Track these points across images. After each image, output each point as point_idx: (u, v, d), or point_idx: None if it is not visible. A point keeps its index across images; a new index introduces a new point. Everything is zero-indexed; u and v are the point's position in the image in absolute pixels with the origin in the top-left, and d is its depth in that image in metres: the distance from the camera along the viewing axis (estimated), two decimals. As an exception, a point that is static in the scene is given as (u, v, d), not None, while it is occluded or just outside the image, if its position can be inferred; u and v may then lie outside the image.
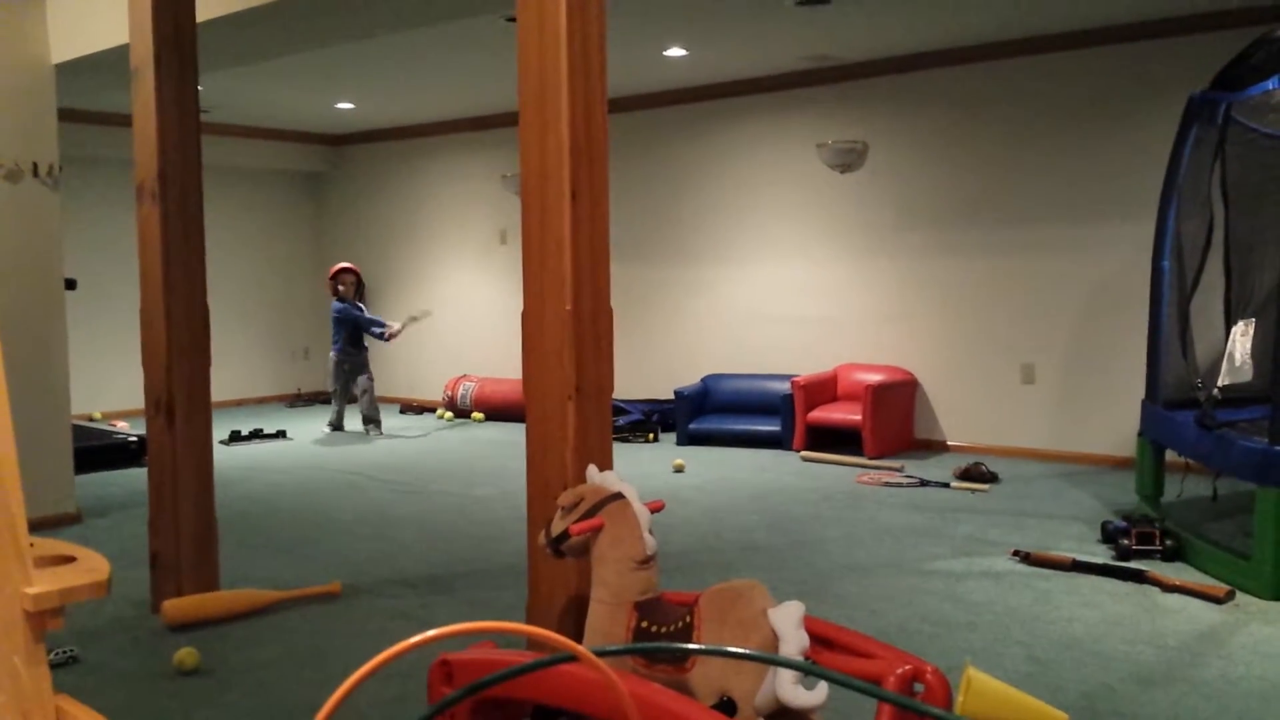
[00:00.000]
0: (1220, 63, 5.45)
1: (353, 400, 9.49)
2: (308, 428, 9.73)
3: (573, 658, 1.31)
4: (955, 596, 4.49)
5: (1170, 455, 5.66)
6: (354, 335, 9.37)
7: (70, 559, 1.83)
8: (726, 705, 2.50)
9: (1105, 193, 7.32)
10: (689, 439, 8.51)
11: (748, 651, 1.56)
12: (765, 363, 8.93)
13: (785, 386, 8.23)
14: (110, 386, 10.19)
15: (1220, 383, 5.13)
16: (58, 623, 1.67)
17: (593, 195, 3.24)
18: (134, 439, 7.86)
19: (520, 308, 3.34)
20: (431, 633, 1.25)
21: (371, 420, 9.33)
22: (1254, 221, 5.23)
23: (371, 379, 9.40)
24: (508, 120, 10.24)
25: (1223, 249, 5.34)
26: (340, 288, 9.37)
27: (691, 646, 1.47)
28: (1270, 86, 4.92)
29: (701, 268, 9.34)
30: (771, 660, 1.47)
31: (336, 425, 9.50)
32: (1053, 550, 5.11)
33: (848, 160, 8.37)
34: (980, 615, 4.25)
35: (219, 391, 9.64)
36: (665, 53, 7.75)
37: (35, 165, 5.86)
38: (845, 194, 8.48)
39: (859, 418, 7.68)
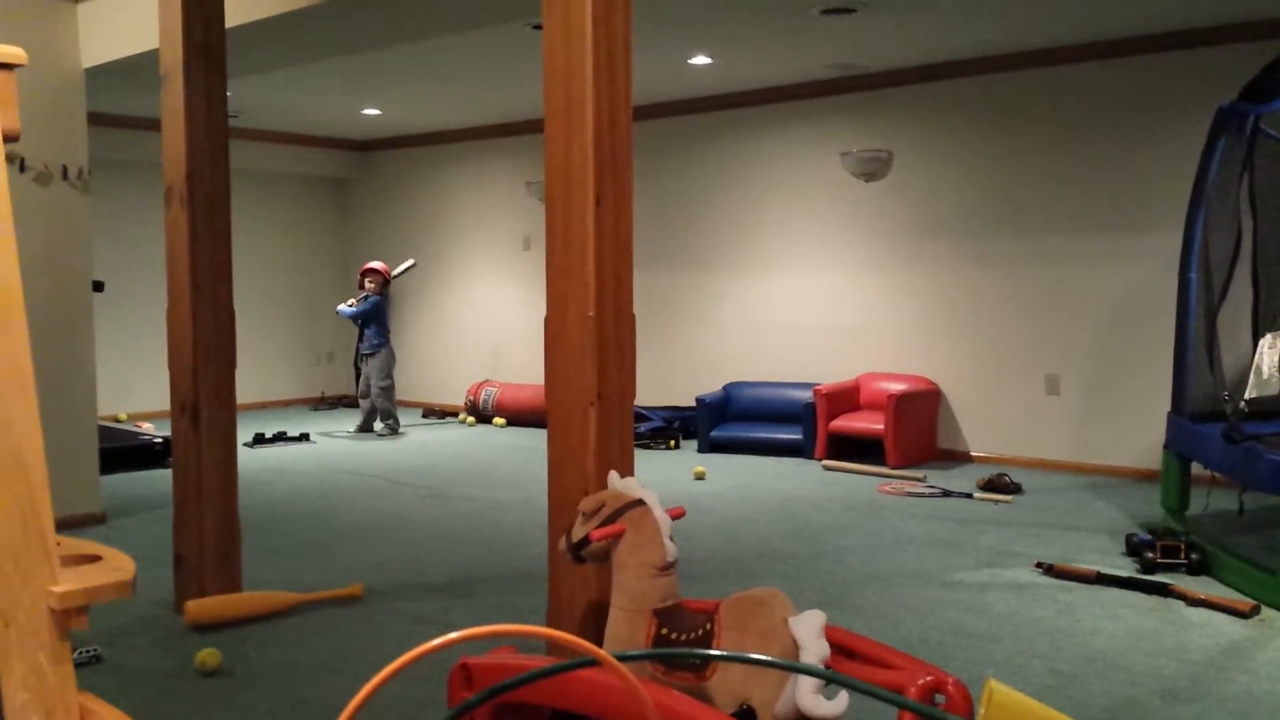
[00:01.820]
0: (1248, 74, 5.41)
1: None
2: (331, 431, 9.78)
3: (592, 662, 1.31)
4: (977, 608, 4.46)
5: (1196, 468, 5.61)
6: (363, 331, 9.65)
7: (96, 558, 1.85)
8: (746, 714, 2.50)
9: (1132, 203, 7.27)
10: (710, 446, 8.50)
11: (769, 659, 1.56)
12: (787, 371, 8.91)
13: (807, 395, 8.21)
14: (136, 388, 10.28)
15: (1247, 395, 5.09)
16: (82, 621, 1.68)
17: (617, 202, 3.25)
18: (159, 440, 7.92)
19: (543, 314, 3.35)
20: (453, 635, 1.25)
21: (381, 417, 9.48)
22: (1283, 233, 5.18)
23: (386, 376, 9.51)
24: (533, 127, 10.27)
25: (1250, 261, 5.29)
26: (369, 283, 9.60)
27: (713, 653, 1.47)
28: (1299, 98, 4.88)
29: (724, 275, 9.33)
30: (792, 668, 1.47)
31: (363, 426, 9.61)
32: (1076, 562, 5.07)
33: (872, 169, 8.35)
34: (1002, 627, 4.22)
35: (244, 394, 9.67)
36: (690, 61, 7.76)
37: (65, 168, 5.92)
38: (869, 203, 8.46)
39: (881, 427, 7.65)
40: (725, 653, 1.84)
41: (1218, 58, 6.83)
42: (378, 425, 9.60)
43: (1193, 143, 6.10)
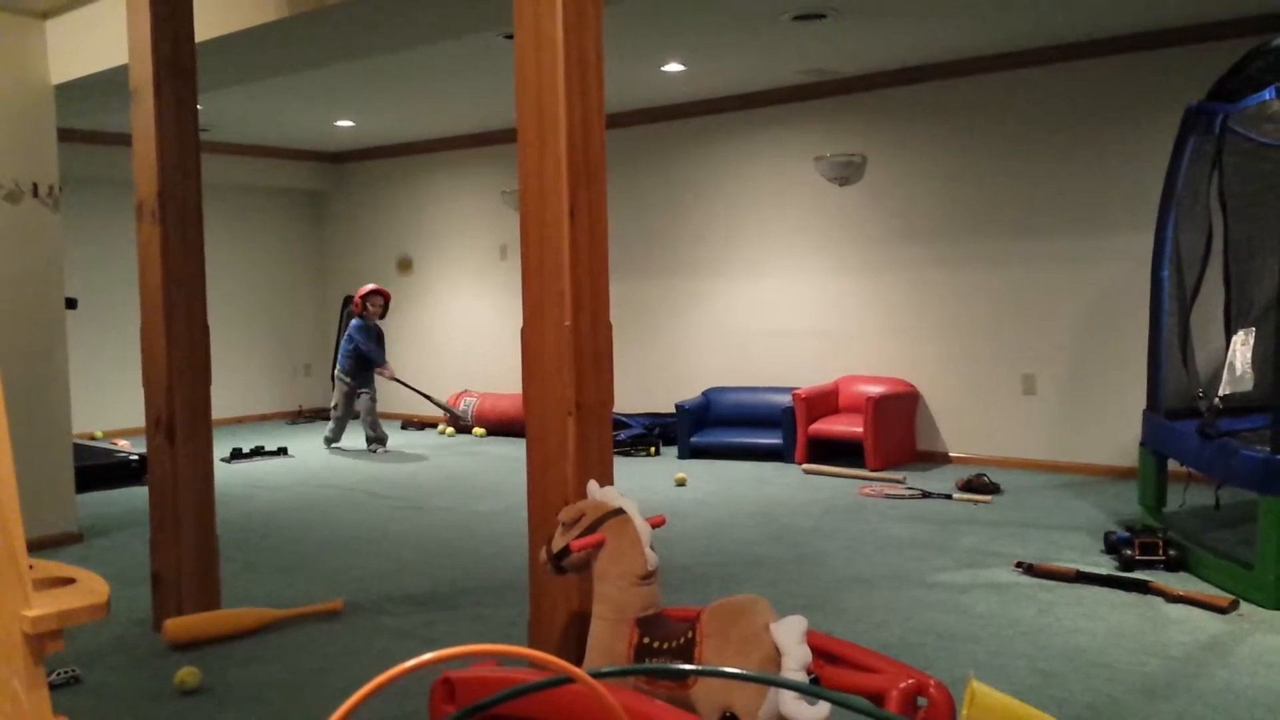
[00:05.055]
0: (1216, 73, 5.46)
1: (355, 417, 9.46)
2: (309, 445, 9.72)
3: (568, 680, 1.31)
4: (958, 609, 4.48)
5: (1172, 465, 5.66)
6: (357, 353, 9.35)
7: (70, 581, 1.83)
8: (729, 721, 2.50)
9: (1104, 204, 7.33)
10: (690, 452, 8.50)
11: (745, 672, 1.56)
12: (766, 375, 8.93)
13: (786, 399, 8.23)
14: (112, 405, 10.20)
15: (1221, 392, 5.13)
16: (57, 645, 1.67)
17: (591, 211, 3.25)
18: (135, 457, 7.86)
19: (520, 323, 3.35)
20: (428, 656, 1.25)
21: (375, 439, 9.31)
22: (1252, 231, 5.23)
23: (374, 399, 9.36)
24: (507, 136, 10.26)
25: (1222, 259, 5.34)
26: (370, 307, 9.37)
27: (688, 668, 1.47)
28: (1266, 97, 4.92)
29: (701, 281, 9.35)
30: (770, 681, 1.47)
31: (334, 441, 9.52)
32: (1056, 561, 5.10)
33: (846, 173, 8.38)
34: (984, 627, 4.24)
35: (220, 409, 9.64)
36: (663, 68, 7.77)
37: (35, 185, 5.87)
38: (844, 207, 8.49)
39: (861, 430, 7.68)
40: (699, 667, 1.84)
41: (1186, 58, 6.90)
42: (377, 448, 9.37)
43: (1162, 143, 6.17)
